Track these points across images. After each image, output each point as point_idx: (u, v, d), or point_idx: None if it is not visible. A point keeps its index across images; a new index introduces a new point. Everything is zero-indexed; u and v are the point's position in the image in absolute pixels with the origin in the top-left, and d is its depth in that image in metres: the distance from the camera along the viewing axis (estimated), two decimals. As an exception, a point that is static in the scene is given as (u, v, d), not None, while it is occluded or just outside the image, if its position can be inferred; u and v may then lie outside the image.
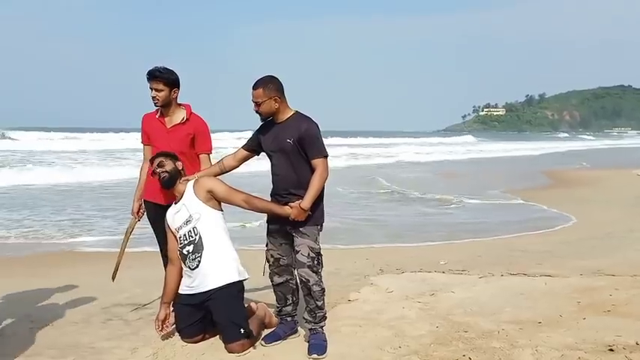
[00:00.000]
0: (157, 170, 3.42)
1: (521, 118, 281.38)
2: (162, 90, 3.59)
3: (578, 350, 3.15)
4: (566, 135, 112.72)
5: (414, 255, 6.29)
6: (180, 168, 3.46)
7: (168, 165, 3.42)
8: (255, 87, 3.25)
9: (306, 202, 3.19)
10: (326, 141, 3.32)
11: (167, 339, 3.47)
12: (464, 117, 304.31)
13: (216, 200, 3.41)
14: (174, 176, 3.42)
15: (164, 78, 3.58)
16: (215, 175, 3.54)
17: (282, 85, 3.29)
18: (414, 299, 4.25)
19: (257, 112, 3.30)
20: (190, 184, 3.43)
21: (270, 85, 3.24)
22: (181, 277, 3.49)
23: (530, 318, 3.72)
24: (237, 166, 3.57)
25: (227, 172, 3.57)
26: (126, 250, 3.94)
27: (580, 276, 4.84)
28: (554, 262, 5.63)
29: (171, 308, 3.54)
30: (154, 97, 3.61)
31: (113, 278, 3.96)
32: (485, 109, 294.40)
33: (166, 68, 3.63)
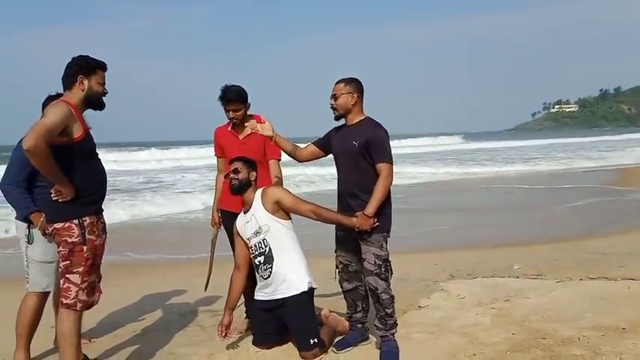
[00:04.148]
0: (230, 175, 3.51)
1: (596, 113, 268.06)
2: (239, 110, 3.70)
3: (667, 358, 2.98)
4: None
5: (485, 260, 6.13)
6: (253, 179, 3.51)
7: (242, 174, 3.48)
8: (338, 81, 3.37)
9: (370, 208, 3.19)
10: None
11: (237, 345, 3.56)
12: (533, 115, 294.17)
13: (283, 210, 3.46)
14: (244, 186, 3.49)
15: (239, 99, 3.69)
16: (288, 151, 3.60)
17: (363, 87, 3.39)
18: (487, 305, 4.15)
19: (332, 107, 3.38)
20: (259, 193, 3.49)
21: (352, 83, 3.36)
22: (246, 283, 3.58)
23: (613, 324, 3.56)
24: (305, 158, 3.62)
25: (296, 156, 3.62)
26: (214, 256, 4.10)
27: (667, 279, 4.57)
28: (637, 264, 5.34)
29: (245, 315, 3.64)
30: (232, 118, 3.72)
31: (205, 288, 4.10)
32: (556, 106, 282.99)
33: (235, 86, 3.71)
